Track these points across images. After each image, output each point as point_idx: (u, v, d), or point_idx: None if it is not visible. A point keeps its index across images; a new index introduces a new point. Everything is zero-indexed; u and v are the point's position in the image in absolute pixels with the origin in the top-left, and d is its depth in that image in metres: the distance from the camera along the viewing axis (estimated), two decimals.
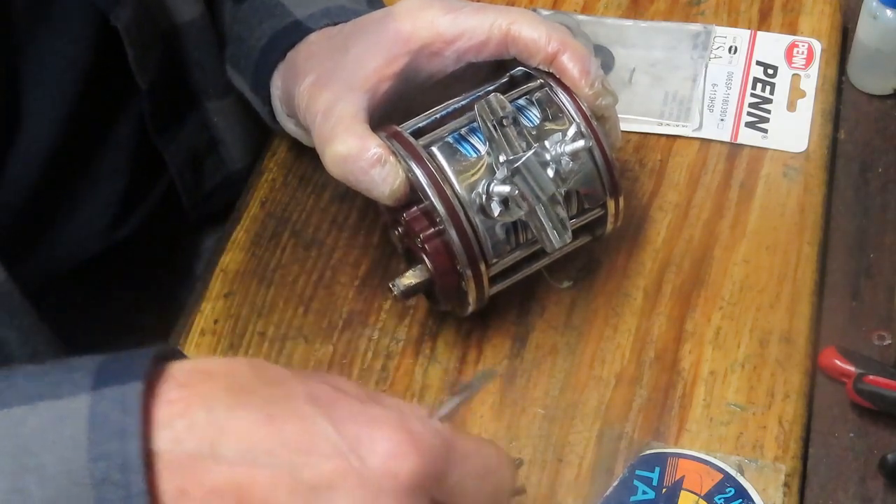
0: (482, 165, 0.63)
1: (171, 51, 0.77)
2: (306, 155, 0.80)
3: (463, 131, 0.65)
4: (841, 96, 0.81)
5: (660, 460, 0.63)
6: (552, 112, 0.66)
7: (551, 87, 0.66)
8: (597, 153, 0.65)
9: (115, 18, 0.70)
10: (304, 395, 0.47)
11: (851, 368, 0.65)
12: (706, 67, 0.82)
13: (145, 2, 0.73)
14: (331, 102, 0.65)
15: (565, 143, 0.63)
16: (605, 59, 0.83)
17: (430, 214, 0.63)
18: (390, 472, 0.46)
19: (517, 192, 0.62)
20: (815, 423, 0.66)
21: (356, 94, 0.65)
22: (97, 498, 0.45)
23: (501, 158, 0.62)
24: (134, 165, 0.78)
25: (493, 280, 0.65)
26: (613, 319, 0.70)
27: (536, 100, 0.66)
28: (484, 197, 0.63)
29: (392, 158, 0.63)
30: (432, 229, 0.63)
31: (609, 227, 0.68)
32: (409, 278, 0.64)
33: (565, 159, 0.63)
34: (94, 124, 0.74)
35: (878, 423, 0.65)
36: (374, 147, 0.63)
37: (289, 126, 0.73)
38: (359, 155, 0.63)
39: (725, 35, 0.83)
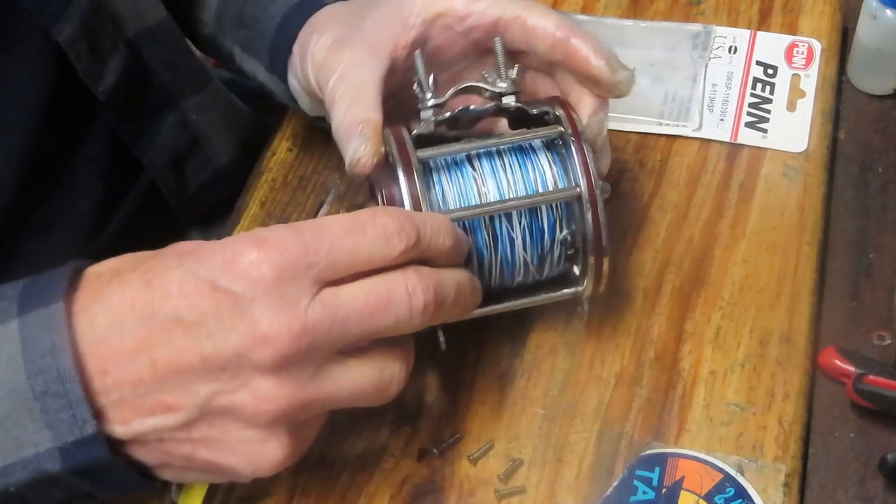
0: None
1: (136, 57, 0.77)
2: (306, 155, 0.80)
3: (469, 155, 0.64)
4: (841, 96, 0.81)
5: (660, 460, 0.63)
6: (560, 161, 0.64)
7: (569, 139, 0.63)
8: (588, 212, 0.62)
9: (56, 33, 0.69)
10: (172, 253, 0.55)
11: (851, 368, 0.65)
12: (706, 67, 0.82)
13: (102, 12, 0.73)
14: (349, 65, 0.65)
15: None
16: None
17: None
18: (252, 279, 0.52)
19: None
20: (815, 423, 0.66)
21: (375, 60, 0.65)
22: (42, 408, 0.52)
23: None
24: (109, 173, 0.77)
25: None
26: (613, 319, 0.70)
27: (549, 144, 0.64)
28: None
29: (371, 141, 0.62)
30: None
31: (589, 286, 0.65)
32: None
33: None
34: (63, 136, 0.73)
35: (878, 423, 0.65)
36: (369, 117, 0.63)
37: (305, 102, 0.73)
38: (352, 120, 0.63)
39: (725, 35, 0.83)
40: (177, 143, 0.81)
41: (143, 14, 0.77)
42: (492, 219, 0.62)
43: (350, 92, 0.65)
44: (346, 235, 0.54)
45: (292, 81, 0.72)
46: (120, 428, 0.53)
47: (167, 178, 0.81)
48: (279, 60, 0.73)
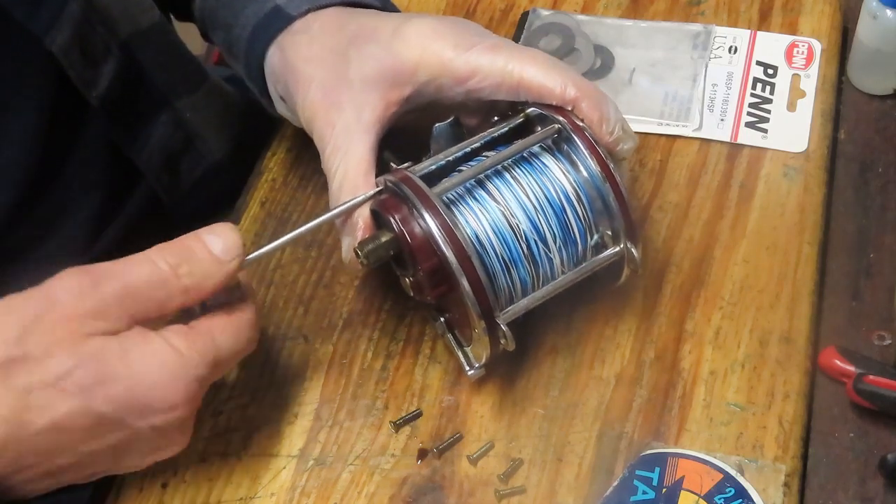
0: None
1: (130, 59, 0.76)
2: (306, 155, 0.80)
3: (477, 178, 0.64)
4: (841, 96, 0.81)
5: (660, 460, 0.63)
6: (568, 158, 0.64)
7: (567, 131, 0.64)
8: (613, 201, 0.63)
9: (49, 42, 0.69)
10: None
11: (851, 368, 0.65)
12: (706, 67, 0.82)
13: (94, 17, 0.72)
14: (340, 135, 0.65)
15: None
16: (604, 59, 0.83)
17: (443, 267, 0.61)
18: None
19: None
20: (815, 423, 0.66)
21: (365, 128, 0.65)
22: None
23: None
24: (108, 178, 0.77)
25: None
26: (613, 319, 0.70)
27: (551, 145, 0.65)
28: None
29: (359, 234, 0.63)
30: (445, 285, 0.62)
31: (625, 273, 0.66)
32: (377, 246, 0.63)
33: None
34: (60, 143, 0.73)
35: (878, 423, 0.65)
36: (358, 218, 0.63)
37: (282, 110, 0.72)
38: (345, 217, 0.64)
39: (725, 35, 0.83)
40: (170, 141, 0.81)
41: (135, 17, 0.77)
42: (529, 246, 0.63)
43: (341, 169, 0.64)
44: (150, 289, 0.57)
45: (272, 91, 0.72)
46: None
47: (161, 176, 0.80)
48: (255, 74, 0.72)
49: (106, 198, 0.78)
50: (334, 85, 0.66)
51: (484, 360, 0.64)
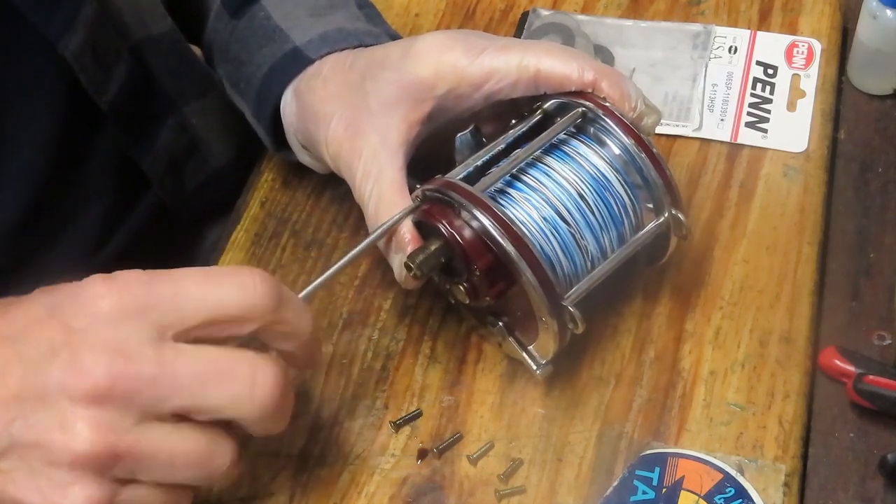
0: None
1: (140, 64, 0.76)
2: None
3: (513, 173, 0.64)
4: (841, 96, 0.81)
5: (660, 460, 0.63)
6: (597, 138, 0.64)
7: (594, 112, 0.64)
8: (652, 171, 0.63)
9: (62, 47, 0.69)
10: (38, 291, 0.54)
11: (851, 368, 0.65)
12: (706, 67, 0.82)
13: (107, 22, 0.72)
14: (368, 161, 0.64)
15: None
16: (605, 59, 0.83)
17: (500, 262, 0.61)
18: (89, 313, 0.51)
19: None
20: (815, 423, 0.66)
21: (392, 151, 0.64)
22: None
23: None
24: (118, 183, 0.77)
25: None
26: (613, 319, 0.70)
27: (575, 131, 0.65)
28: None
29: (409, 249, 0.62)
30: (503, 281, 0.61)
31: (672, 243, 0.66)
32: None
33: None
34: (72, 148, 0.73)
35: (878, 423, 0.65)
36: (405, 232, 0.63)
37: (304, 158, 0.72)
38: (388, 237, 0.64)
39: (725, 35, 0.83)
40: (174, 146, 0.81)
41: (147, 24, 0.77)
42: (579, 229, 0.63)
43: (375, 192, 0.64)
44: (197, 284, 0.52)
45: (290, 137, 0.72)
46: None
47: (164, 180, 0.80)
48: (263, 114, 0.72)
49: (115, 203, 0.78)
50: (355, 116, 0.66)
51: (552, 353, 0.64)
